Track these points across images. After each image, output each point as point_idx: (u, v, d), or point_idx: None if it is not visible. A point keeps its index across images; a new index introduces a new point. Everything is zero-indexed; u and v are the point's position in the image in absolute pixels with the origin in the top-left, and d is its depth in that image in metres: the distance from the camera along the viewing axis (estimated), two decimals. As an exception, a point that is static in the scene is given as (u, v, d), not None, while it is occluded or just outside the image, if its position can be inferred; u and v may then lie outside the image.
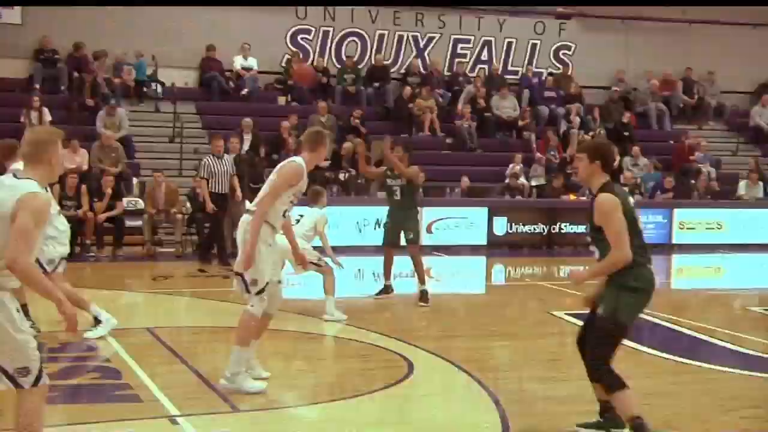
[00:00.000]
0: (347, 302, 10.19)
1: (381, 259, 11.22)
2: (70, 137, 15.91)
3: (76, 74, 18.26)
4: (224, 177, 13.87)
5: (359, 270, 13.91)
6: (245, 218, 6.66)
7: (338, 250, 10.87)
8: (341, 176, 17.29)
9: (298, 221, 9.98)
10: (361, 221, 15.71)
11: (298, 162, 6.71)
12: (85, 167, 15.62)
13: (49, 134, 4.68)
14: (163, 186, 15.20)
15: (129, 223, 15.09)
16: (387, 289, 11.13)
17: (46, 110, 16.70)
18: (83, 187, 14.69)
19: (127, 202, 15.32)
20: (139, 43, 18.85)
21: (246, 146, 16.57)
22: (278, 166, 6.80)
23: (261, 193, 6.67)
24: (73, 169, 15.13)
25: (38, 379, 4.49)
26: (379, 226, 14.72)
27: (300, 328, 9.28)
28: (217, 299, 10.89)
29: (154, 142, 18.05)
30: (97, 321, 8.34)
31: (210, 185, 13.81)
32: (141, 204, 15.46)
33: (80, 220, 14.43)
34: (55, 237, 8.02)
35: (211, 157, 14.01)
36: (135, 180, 16.43)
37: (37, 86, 17.80)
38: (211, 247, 14.29)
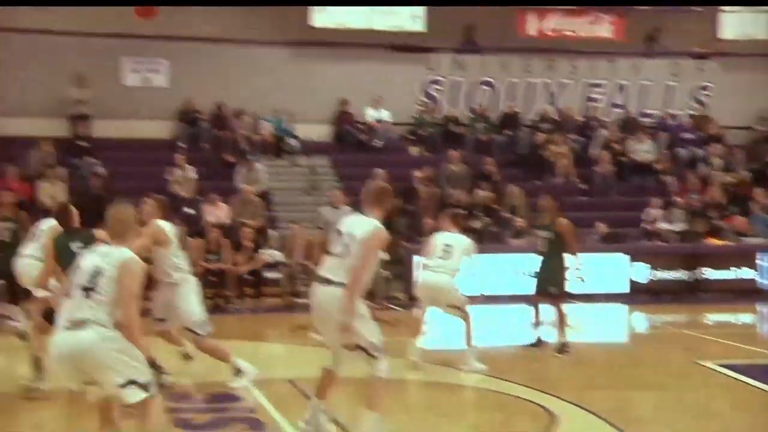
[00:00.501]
0: (484, 352, 10.04)
1: (516, 307, 11.05)
2: (211, 193, 16.60)
3: (217, 132, 19.00)
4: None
5: (496, 319, 13.75)
6: (333, 291, 6.31)
7: (474, 298, 10.77)
8: (476, 224, 17.22)
9: (446, 251, 9.58)
10: (498, 269, 15.55)
11: (380, 226, 6.41)
12: (227, 221, 16.12)
13: (131, 211, 5.72)
14: (301, 238, 15.51)
15: (268, 274, 15.44)
16: (538, 342, 10.88)
17: (189, 167, 17.40)
18: (225, 241, 15.15)
19: (266, 254, 15.70)
20: (275, 101, 19.45)
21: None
22: (363, 237, 6.33)
23: (350, 266, 6.28)
24: (215, 223, 15.67)
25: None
26: (516, 274, 14.61)
27: (437, 378, 9.21)
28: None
29: (291, 195, 18.51)
30: (238, 371, 8.48)
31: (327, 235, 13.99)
32: (280, 256, 15.81)
33: (222, 272, 14.88)
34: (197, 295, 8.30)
35: (329, 207, 14.23)
36: (273, 232, 16.84)
37: (182, 145, 18.57)
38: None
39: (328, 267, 6.44)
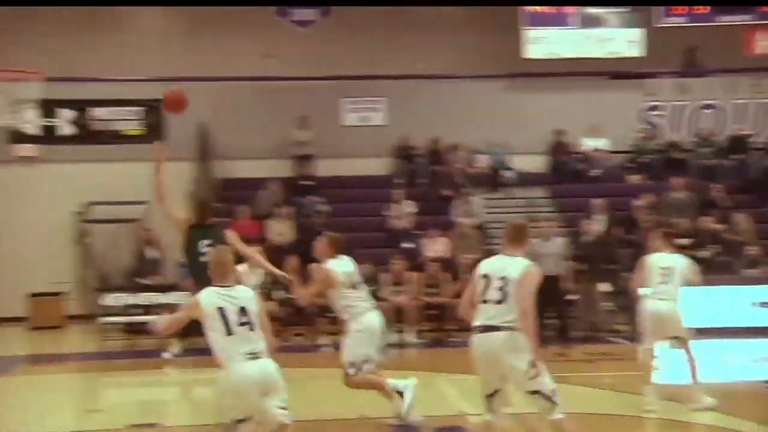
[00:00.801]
0: (719, 388, 9.46)
1: (750, 341, 10.37)
2: (429, 227, 16.82)
3: (433, 167, 19.28)
4: (551, 259, 13.80)
5: (730, 353, 12.99)
6: (500, 337, 6.32)
7: (708, 332, 10.23)
8: (703, 254, 16.37)
9: (665, 275, 8.94)
10: (730, 300, 14.70)
11: (532, 264, 6.48)
12: (445, 255, 16.23)
13: (229, 253, 6.53)
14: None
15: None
16: None
17: (407, 202, 17.74)
18: (444, 275, 15.26)
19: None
20: (490, 133, 19.52)
21: (598, 227, 16.34)
22: (520, 278, 6.36)
23: (512, 309, 6.33)
24: (434, 257, 15.82)
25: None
26: (751, 306, 13.79)
27: (670, 415, 8.79)
28: (579, 384, 10.66)
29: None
30: (400, 394, 8.18)
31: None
32: (498, 289, 15.71)
33: (442, 306, 14.99)
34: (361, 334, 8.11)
35: (540, 240, 14.05)
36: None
37: (399, 181, 18.97)
38: (566, 330, 14.19)
39: (486, 315, 6.39)
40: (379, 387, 8.18)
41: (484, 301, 6.39)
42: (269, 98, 19.63)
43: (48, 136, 18.87)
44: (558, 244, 14.07)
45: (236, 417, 6.03)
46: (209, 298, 6.13)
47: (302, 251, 14.68)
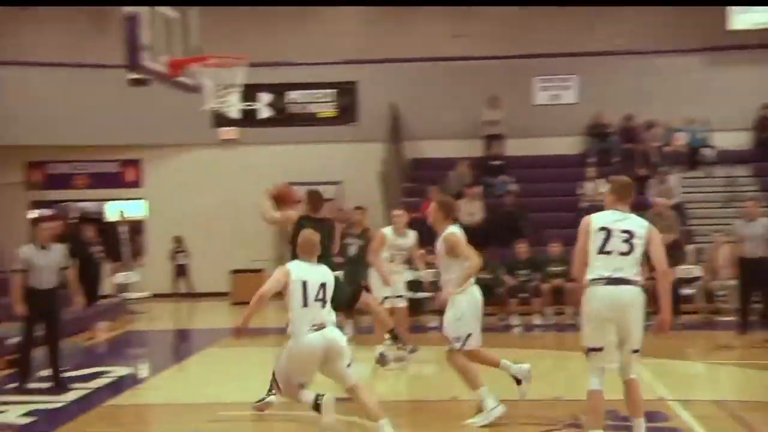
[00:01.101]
0: None
1: None
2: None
3: (627, 145, 18.70)
4: (756, 241, 13.04)
5: None
6: (633, 290, 6.23)
7: None
8: None
9: None
10: None
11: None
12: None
13: (317, 235, 7.14)
14: (723, 250, 14.66)
15: (685, 291, 14.81)
16: None
17: (600, 182, 17.29)
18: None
19: (681, 269, 15.04)
20: (689, 109, 18.72)
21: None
22: (648, 234, 6.37)
23: (638, 263, 6.34)
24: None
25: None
26: None
27: None
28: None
29: (708, 208, 17.64)
30: (480, 409, 7.44)
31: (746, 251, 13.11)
32: (697, 270, 15.10)
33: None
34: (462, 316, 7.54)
35: (743, 220, 13.32)
36: (690, 247, 16.12)
37: (592, 160, 18.54)
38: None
39: (611, 266, 6.26)
40: (492, 362, 7.69)
41: (606, 252, 6.30)
42: (460, 78, 19.68)
43: (248, 119, 19.76)
44: (763, 225, 13.30)
45: (300, 382, 6.92)
46: (298, 270, 6.89)
47: (491, 232, 14.66)
